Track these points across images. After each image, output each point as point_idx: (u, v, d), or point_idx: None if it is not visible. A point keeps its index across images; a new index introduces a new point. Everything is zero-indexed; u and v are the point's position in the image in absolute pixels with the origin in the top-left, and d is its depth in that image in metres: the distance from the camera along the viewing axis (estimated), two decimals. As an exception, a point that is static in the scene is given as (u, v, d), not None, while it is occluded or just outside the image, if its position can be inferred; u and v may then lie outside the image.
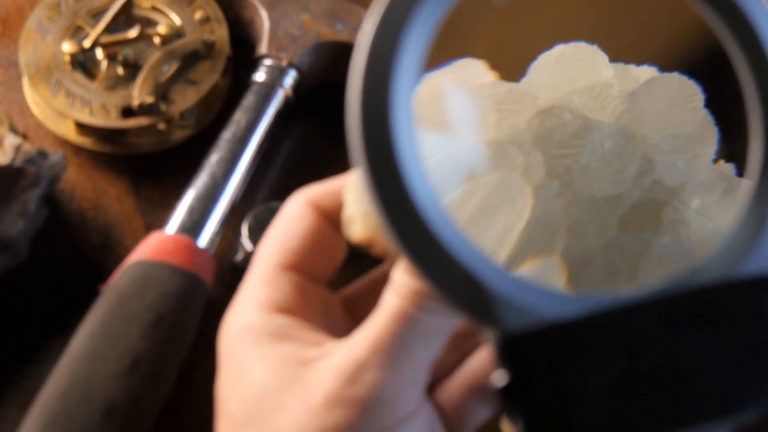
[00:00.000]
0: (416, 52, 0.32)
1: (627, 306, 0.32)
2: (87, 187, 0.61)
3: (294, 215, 0.40)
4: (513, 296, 0.31)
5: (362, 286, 0.43)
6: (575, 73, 0.40)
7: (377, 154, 0.31)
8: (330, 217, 0.40)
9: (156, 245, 0.55)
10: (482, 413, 0.40)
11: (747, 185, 0.33)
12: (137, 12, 0.63)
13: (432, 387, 0.40)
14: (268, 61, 0.62)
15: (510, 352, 0.31)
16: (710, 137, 0.40)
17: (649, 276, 0.38)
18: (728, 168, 0.40)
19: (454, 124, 0.37)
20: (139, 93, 0.59)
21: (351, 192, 0.38)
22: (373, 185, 0.31)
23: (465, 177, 0.36)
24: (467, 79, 0.39)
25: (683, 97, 0.40)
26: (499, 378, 0.31)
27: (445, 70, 0.39)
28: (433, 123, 0.36)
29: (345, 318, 0.41)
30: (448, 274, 0.31)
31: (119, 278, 0.54)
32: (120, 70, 0.61)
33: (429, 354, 0.36)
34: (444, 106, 0.36)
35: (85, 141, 0.61)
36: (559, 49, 0.41)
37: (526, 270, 0.37)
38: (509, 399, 0.31)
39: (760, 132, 0.33)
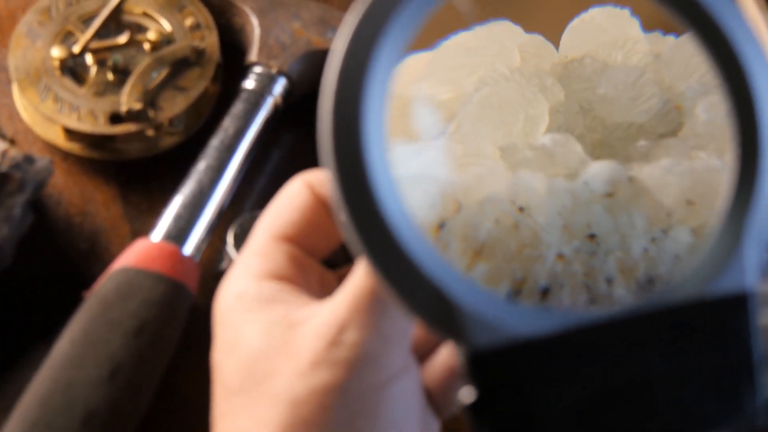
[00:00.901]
0: (390, 62, 0.32)
1: (598, 323, 0.31)
2: (75, 193, 0.61)
3: (292, 192, 0.40)
4: (482, 312, 0.31)
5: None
6: (602, 32, 0.42)
7: (348, 169, 0.31)
8: (326, 202, 0.40)
9: (141, 252, 0.55)
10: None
11: (721, 203, 0.32)
12: (128, 18, 0.63)
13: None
14: (257, 69, 0.62)
15: (478, 368, 0.31)
16: None
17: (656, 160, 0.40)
18: None
19: (421, 135, 0.36)
20: (127, 99, 0.59)
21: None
22: (343, 199, 0.31)
23: (432, 188, 0.36)
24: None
25: None
26: (467, 394, 0.31)
27: (480, 30, 0.40)
28: (401, 134, 0.36)
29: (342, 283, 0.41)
30: (416, 288, 0.31)
31: (103, 285, 0.54)
32: (110, 76, 0.61)
33: None
34: (412, 118, 0.36)
35: (73, 146, 0.61)
36: (590, 13, 0.42)
37: (548, 136, 0.39)
38: (476, 416, 0.30)
39: (737, 151, 0.32)
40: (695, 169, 0.38)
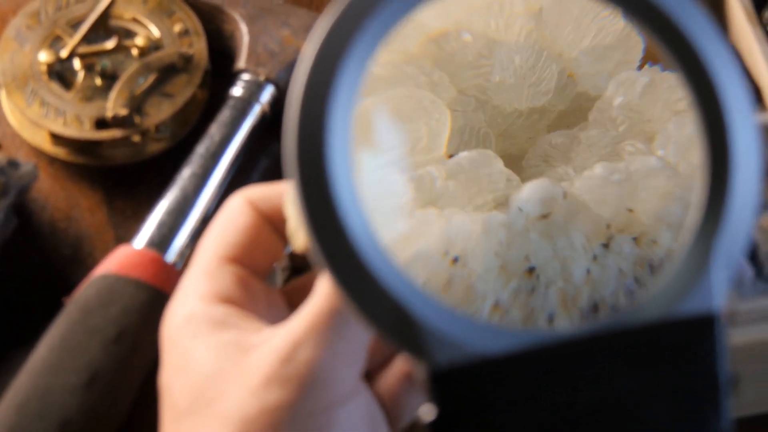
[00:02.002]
0: (355, 77, 0.31)
1: (561, 342, 0.31)
2: (60, 198, 0.61)
3: (234, 211, 0.40)
4: (444, 329, 0.30)
5: (304, 280, 0.43)
6: None
7: (312, 183, 0.31)
8: (267, 217, 0.40)
9: (122, 259, 0.54)
10: (419, 402, 0.40)
11: (690, 223, 0.32)
12: (117, 23, 0.63)
13: (371, 377, 0.40)
14: (245, 76, 0.62)
15: (439, 386, 0.30)
16: (633, 45, 0.39)
17: (583, 160, 0.39)
18: (654, 69, 0.39)
19: (380, 145, 0.36)
20: (113, 105, 0.59)
21: (292, 206, 0.37)
22: (306, 213, 0.31)
23: (391, 199, 0.36)
24: None
25: (595, 8, 0.39)
26: (428, 412, 0.30)
27: None
28: (362, 144, 0.36)
29: (288, 311, 0.41)
30: (379, 305, 0.30)
31: (83, 291, 0.53)
32: (98, 81, 0.61)
33: (363, 333, 0.36)
34: (371, 129, 0.36)
35: (59, 151, 0.61)
36: None
37: (464, 156, 0.37)
38: (437, 434, 0.30)
39: (707, 169, 0.32)
40: (633, 174, 0.37)
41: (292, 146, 0.31)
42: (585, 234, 0.36)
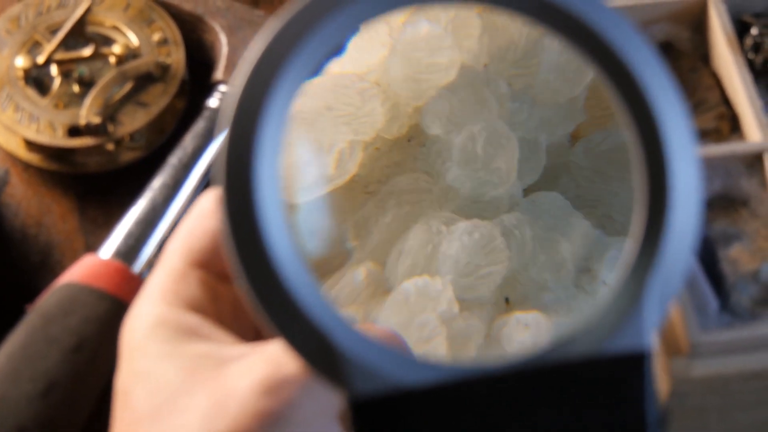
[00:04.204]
0: (287, 103, 0.31)
1: (486, 376, 0.30)
2: (33, 204, 0.61)
3: (204, 213, 0.39)
4: (365, 359, 0.30)
5: None
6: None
7: (239, 211, 0.30)
8: None
9: (87, 269, 0.54)
10: None
11: (624, 258, 0.31)
12: (97, 30, 0.62)
13: None
14: (223, 87, 0.61)
15: (359, 416, 0.30)
16: None
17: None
18: None
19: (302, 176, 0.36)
20: (87, 112, 0.59)
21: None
22: (233, 246, 0.30)
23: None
24: None
25: None
26: (349, 442, 0.30)
27: None
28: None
29: (254, 318, 0.41)
30: (300, 332, 0.30)
31: (46, 299, 0.53)
32: (75, 88, 0.61)
33: None
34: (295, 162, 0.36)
35: (33, 157, 0.60)
36: None
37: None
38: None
39: (644, 204, 0.31)
40: None
41: (220, 169, 0.31)
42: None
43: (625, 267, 0.31)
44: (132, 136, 0.60)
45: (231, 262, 0.30)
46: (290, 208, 0.37)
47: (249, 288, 0.30)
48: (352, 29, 0.31)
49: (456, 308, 0.37)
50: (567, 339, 0.31)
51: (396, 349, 0.30)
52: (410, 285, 0.39)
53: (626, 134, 0.32)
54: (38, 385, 0.50)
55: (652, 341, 0.31)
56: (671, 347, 0.49)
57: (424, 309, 0.37)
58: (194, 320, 0.37)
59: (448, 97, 0.39)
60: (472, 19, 0.40)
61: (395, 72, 0.40)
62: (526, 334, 0.37)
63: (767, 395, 0.51)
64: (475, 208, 0.39)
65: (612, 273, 0.38)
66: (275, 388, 0.34)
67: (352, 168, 0.39)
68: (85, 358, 0.52)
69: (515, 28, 0.40)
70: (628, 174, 0.42)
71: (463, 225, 0.38)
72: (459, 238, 0.38)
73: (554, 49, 0.40)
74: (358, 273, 0.39)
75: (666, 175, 0.31)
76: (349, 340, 0.30)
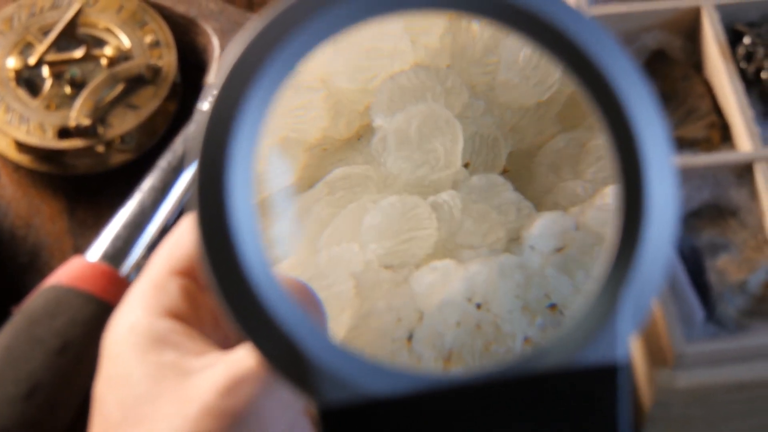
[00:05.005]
0: (255, 125, 0.31)
1: (456, 387, 0.30)
2: (22, 205, 0.61)
3: (189, 224, 0.39)
4: (335, 369, 0.30)
5: None
6: None
7: (211, 216, 0.30)
8: None
9: (74, 271, 0.54)
10: None
11: (599, 270, 0.31)
12: (89, 32, 0.62)
13: None
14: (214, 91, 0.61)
15: (328, 423, 0.30)
16: None
17: (593, 174, 0.40)
18: None
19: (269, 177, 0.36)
20: (77, 114, 0.59)
21: None
22: (205, 253, 0.30)
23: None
24: None
25: None
26: (320, 451, 0.30)
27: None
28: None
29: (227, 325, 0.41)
30: (270, 340, 0.30)
31: (32, 301, 0.53)
32: (67, 89, 0.61)
33: None
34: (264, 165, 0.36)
35: (23, 158, 0.60)
36: None
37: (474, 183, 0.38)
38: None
39: (619, 215, 0.31)
40: None
41: (195, 176, 0.31)
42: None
43: (600, 279, 0.31)
44: (122, 138, 0.60)
45: (203, 270, 0.30)
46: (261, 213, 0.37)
47: (220, 295, 0.30)
48: (324, 40, 0.31)
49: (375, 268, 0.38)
50: (539, 350, 0.31)
51: (366, 359, 0.30)
52: (328, 251, 0.39)
53: (605, 144, 0.32)
54: (22, 386, 0.50)
55: (626, 354, 0.31)
56: (656, 357, 0.49)
57: (337, 269, 0.37)
58: (167, 326, 0.37)
59: (389, 84, 0.39)
60: (436, 18, 0.40)
61: (337, 64, 0.40)
62: (434, 275, 0.37)
63: (752, 406, 0.50)
64: (416, 192, 0.39)
65: (540, 241, 0.38)
66: (234, 387, 0.34)
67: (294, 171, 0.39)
68: (70, 360, 0.52)
69: (478, 27, 0.40)
70: (580, 168, 0.41)
71: (388, 198, 0.38)
72: (382, 209, 0.37)
73: (514, 48, 0.40)
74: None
75: (642, 187, 0.31)
76: (319, 349, 0.30)
